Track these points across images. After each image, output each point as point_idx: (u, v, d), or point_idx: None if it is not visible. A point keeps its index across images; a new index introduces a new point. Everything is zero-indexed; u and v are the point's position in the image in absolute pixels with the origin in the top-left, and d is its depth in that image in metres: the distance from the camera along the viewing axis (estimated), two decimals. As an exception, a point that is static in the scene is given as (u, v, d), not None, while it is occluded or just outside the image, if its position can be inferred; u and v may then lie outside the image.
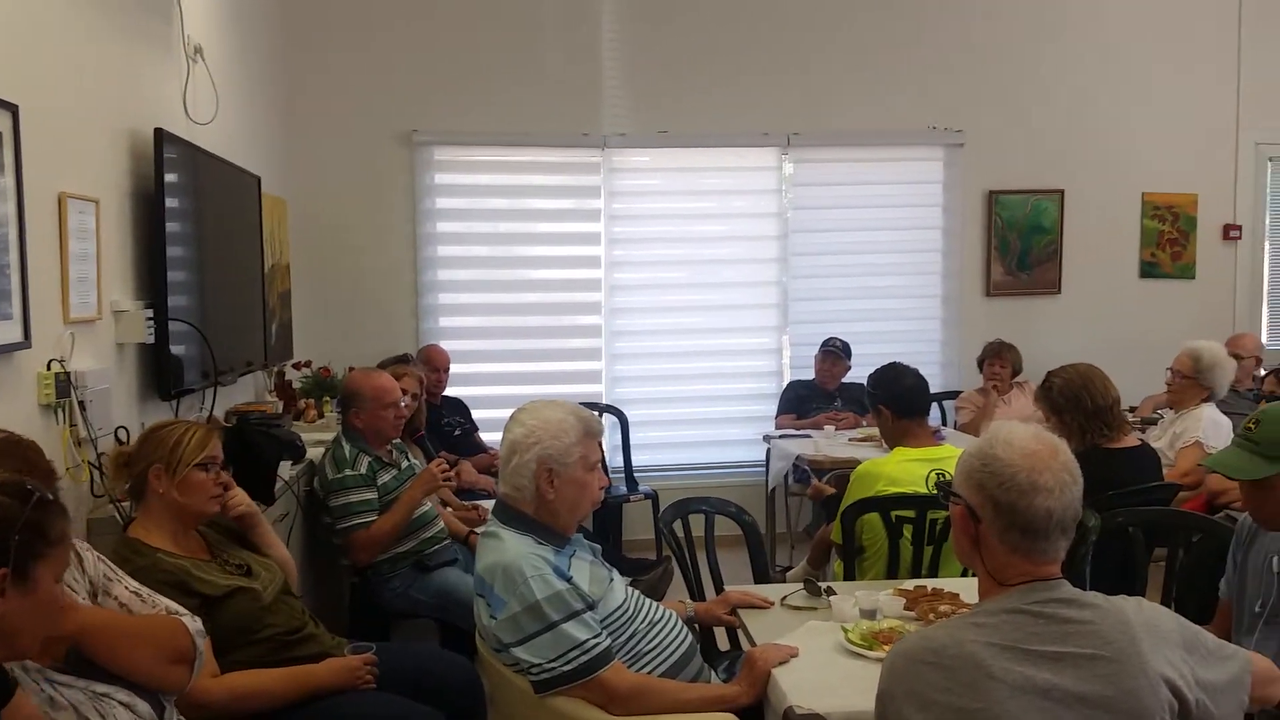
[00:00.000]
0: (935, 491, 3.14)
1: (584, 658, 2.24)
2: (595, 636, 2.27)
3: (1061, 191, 6.58)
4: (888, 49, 6.37)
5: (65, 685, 1.79)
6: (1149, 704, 1.61)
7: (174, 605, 2.12)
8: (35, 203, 2.53)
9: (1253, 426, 2.32)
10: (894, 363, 3.53)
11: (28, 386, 2.54)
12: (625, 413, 6.06)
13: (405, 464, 3.94)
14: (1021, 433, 1.77)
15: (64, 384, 2.64)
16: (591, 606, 2.32)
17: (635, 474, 6.02)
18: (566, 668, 2.24)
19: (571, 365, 6.32)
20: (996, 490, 1.71)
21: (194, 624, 2.06)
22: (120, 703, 1.84)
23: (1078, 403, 3.58)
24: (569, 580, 2.32)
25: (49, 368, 2.60)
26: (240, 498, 2.73)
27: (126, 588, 2.07)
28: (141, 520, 2.47)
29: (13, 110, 2.40)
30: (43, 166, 2.58)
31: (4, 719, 1.53)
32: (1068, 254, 6.63)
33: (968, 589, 2.64)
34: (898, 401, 3.41)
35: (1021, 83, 6.50)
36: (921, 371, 3.54)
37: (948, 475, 3.11)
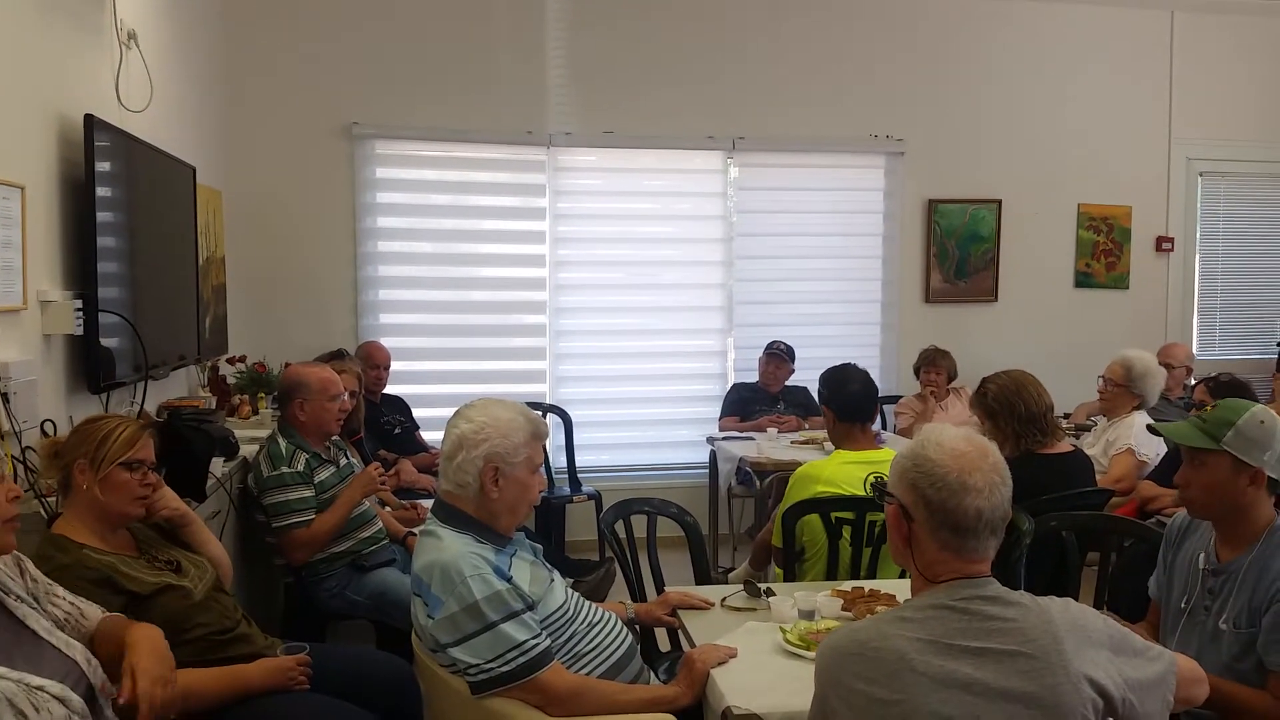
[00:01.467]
0: (872, 493, 3.17)
1: (522, 659, 2.22)
2: (535, 637, 2.25)
3: (999, 201, 6.70)
4: (832, 57, 6.43)
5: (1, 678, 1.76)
6: (1070, 701, 1.64)
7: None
8: (-44, 187, 2.45)
9: (1208, 410, 2.40)
10: (847, 365, 3.54)
11: (-54, 377, 2.46)
12: (569, 413, 6.04)
13: (344, 461, 3.88)
14: (952, 435, 1.81)
15: (-14, 375, 2.56)
16: (531, 607, 2.30)
17: (579, 474, 6.01)
18: (505, 668, 2.21)
19: (515, 364, 6.29)
20: (928, 489, 1.75)
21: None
22: (54, 696, 1.81)
23: (1011, 409, 3.64)
24: (509, 580, 2.30)
25: (-31, 358, 2.52)
26: (168, 499, 2.66)
27: (64, 601, 2.02)
28: (67, 516, 2.41)
29: (-67, 91, 2.32)
30: (-37, 150, 2.50)
31: None
32: (1005, 263, 6.75)
33: (905, 590, 2.65)
34: (841, 405, 3.43)
35: (962, 94, 6.61)
36: (861, 376, 3.56)
37: (885, 477, 3.16)
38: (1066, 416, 5.68)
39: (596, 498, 5.66)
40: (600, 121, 6.18)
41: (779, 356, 6.02)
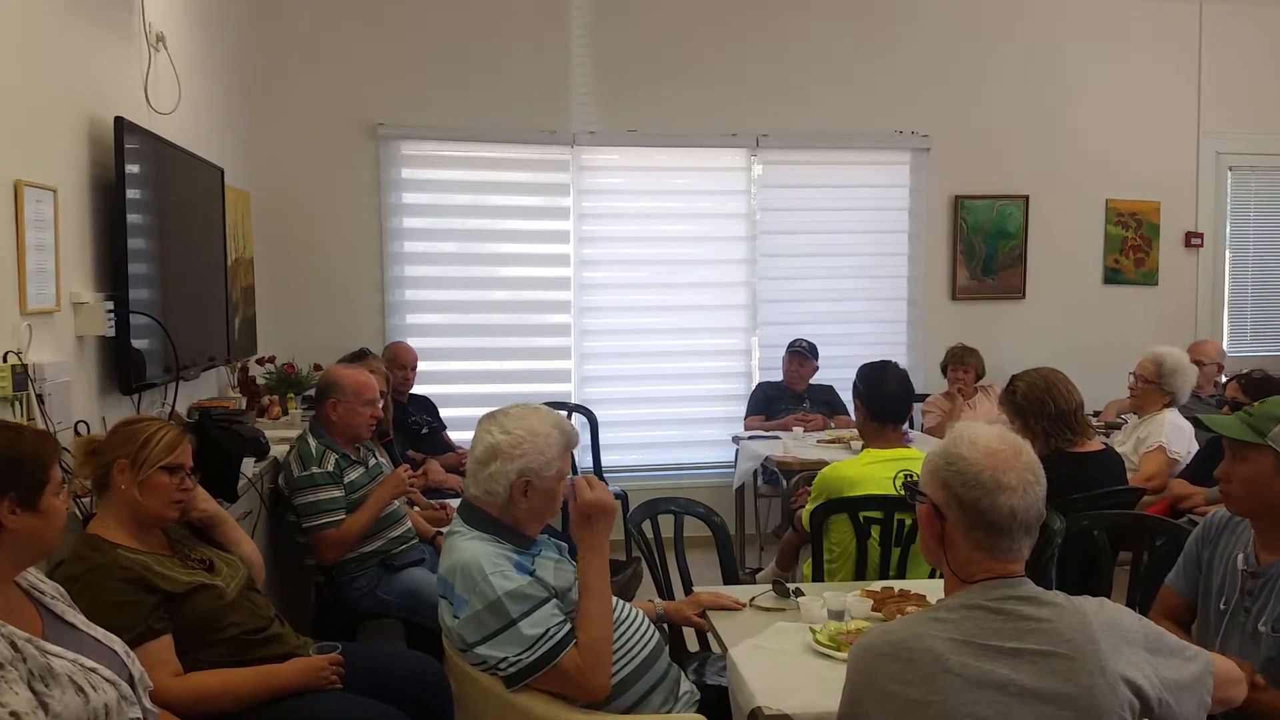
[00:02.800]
0: (902, 492, 3.15)
1: (549, 644, 2.23)
2: (559, 622, 2.26)
3: (1026, 197, 6.65)
4: (857, 53, 6.40)
5: (56, 656, 1.81)
6: (1107, 702, 1.63)
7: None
8: (-9, 191, 2.48)
9: (1255, 406, 2.38)
10: (887, 362, 3.51)
11: (-17, 379, 2.48)
12: (595, 412, 6.04)
13: (373, 462, 3.90)
14: (985, 433, 1.80)
15: (21, 377, 2.58)
16: (555, 595, 2.31)
17: (604, 474, 6.00)
18: (534, 657, 2.22)
19: (541, 364, 6.30)
20: (961, 489, 1.74)
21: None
22: (105, 679, 1.87)
23: (1041, 407, 3.61)
24: (531, 574, 2.30)
25: (4, 359, 2.54)
26: (200, 500, 2.68)
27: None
28: (102, 516, 2.43)
29: (-32, 95, 2.34)
30: (-2, 153, 2.52)
31: None
32: (1032, 259, 6.70)
33: (935, 590, 2.64)
34: (875, 403, 3.41)
35: (988, 89, 6.56)
36: (889, 374, 3.53)
37: (915, 476, 3.14)
38: (1096, 414, 5.63)
39: (623, 497, 5.65)
40: (624, 120, 6.18)
41: (801, 354, 6.00)
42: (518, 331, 6.28)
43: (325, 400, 3.77)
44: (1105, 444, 3.87)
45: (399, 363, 5.28)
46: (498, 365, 6.22)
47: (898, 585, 2.80)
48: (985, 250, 6.64)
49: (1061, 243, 6.71)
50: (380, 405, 3.93)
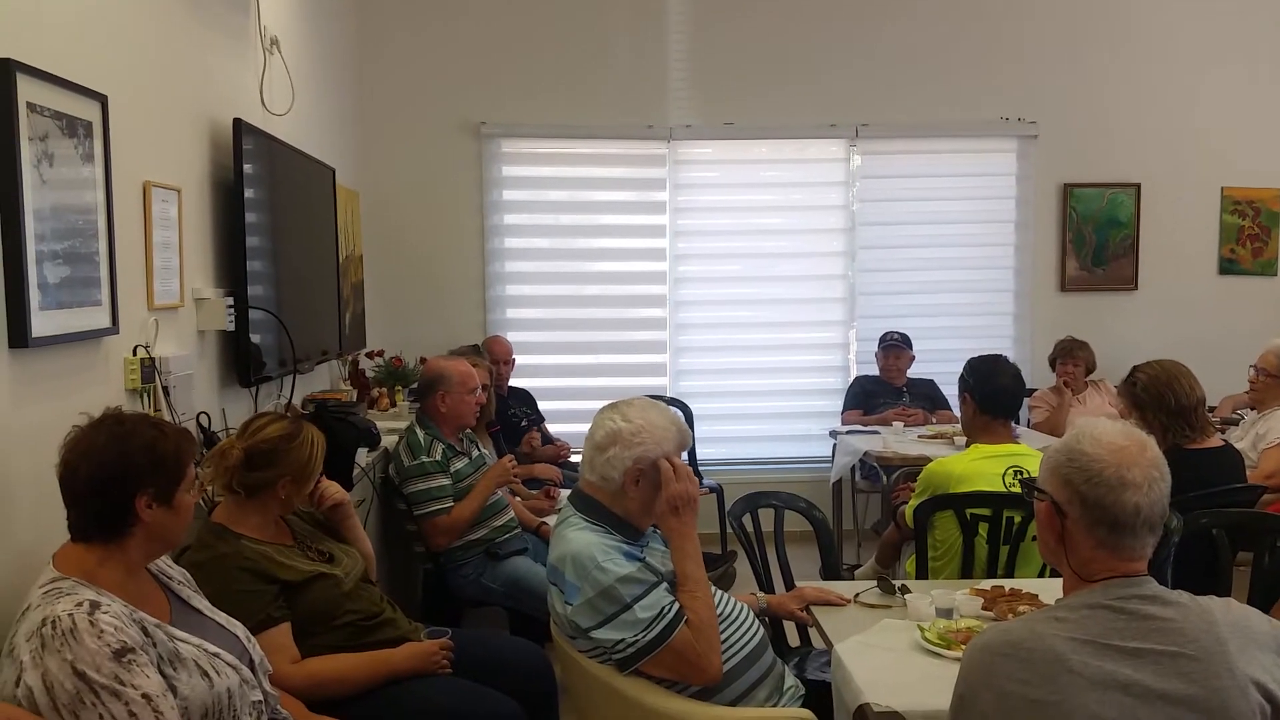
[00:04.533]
0: (1016, 488, 3.09)
1: (662, 623, 2.26)
2: (671, 602, 2.29)
3: (1138, 185, 6.43)
4: (959, 38, 6.26)
5: (183, 641, 1.88)
6: (1237, 706, 1.58)
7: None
8: (122, 191, 2.58)
9: None
10: (999, 356, 3.47)
11: (115, 371, 2.59)
12: (690, 406, 6.04)
13: (475, 453, 3.99)
14: (1109, 429, 1.75)
15: (149, 369, 2.69)
16: (664, 579, 2.33)
17: (700, 467, 6.01)
18: (649, 636, 2.25)
19: (636, 358, 6.33)
20: (1084, 485, 1.69)
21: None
22: (228, 664, 1.93)
23: (1161, 400, 3.49)
24: (641, 561, 2.33)
25: (134, 353, 2.65)
26: (333, 489, 2.78)
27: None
28: (227, 505, 2.51)
29: (102, 101, 2.44)
30: (129, 156, 2.63)
31: None
32: (1145, 249, 6.48)
33: (1046, 589, 2.59)
34: (986, 397, 3.34)
35: (1097, 73, 6.35)
36: (993, 368, 3.47)
37: (1026, 472, 3.07)
38: (1212, 410, 5.42)
39: (718, 491, 5.65)
40: (721, 113, 6.16)
41: (895, 346, 5.89)
42: (614, 325, 6.32)
43: (434, 393, 3.87)
44: (1225, 440, 3.73)
45: (492, 358, 5.37)
46: (594, 359, 6.26)
47: (1008, 584, 2.74)
48: (1095, 240, 6.44)
49: (1175, 232, 6.47)
50: (483, 395, 4.01)
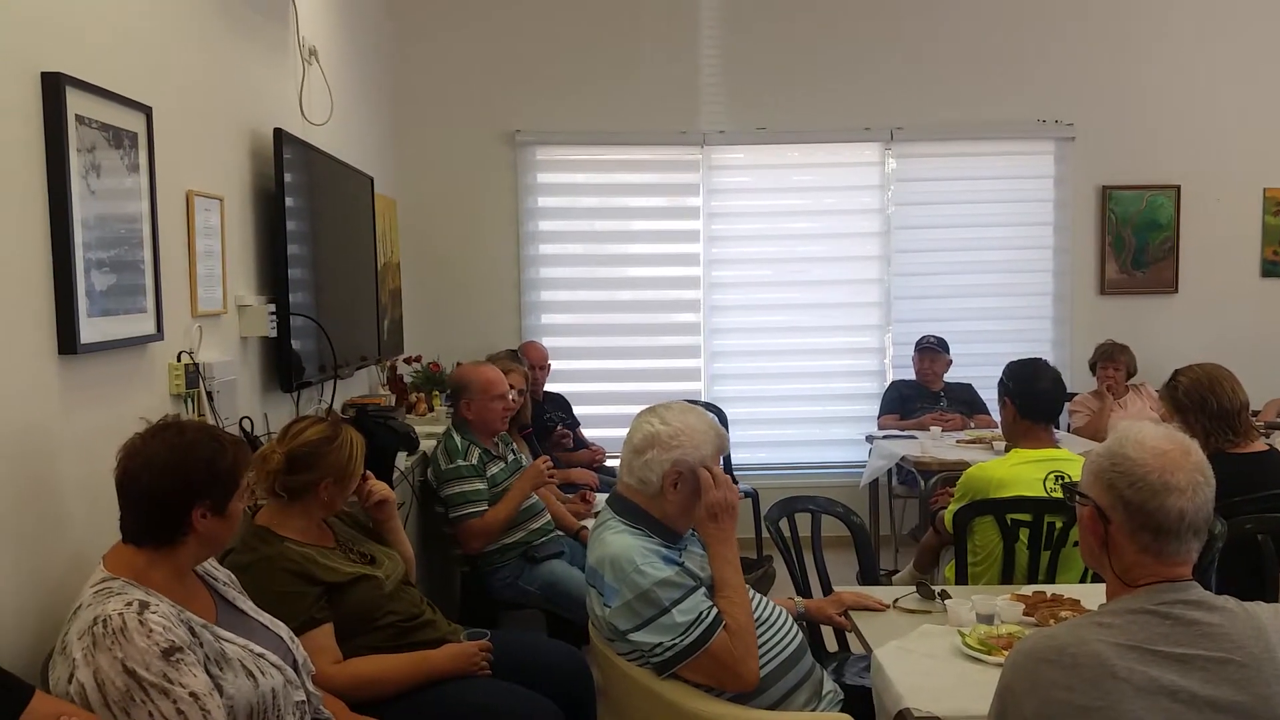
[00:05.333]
0: (1057, 493, 3.06)
1: (700, 628, 2.26)
2: (709, 607, 2.29)
3: (1178, 187, 6.35)
4: (994, 40, 6.22)
5: (229, 641, 1.91)
6: None
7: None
8: (166, 200, 2.63)
9: None
10: (1038, 360, 3.44)
11: (160, 377, 2.64)
12: (725, 411, 6.04)
13: (511, 457, 4.01)
14: (1153, 432, 1.73)
15: (193, 375, 2.74)
16: (702, 584, 2.33)
17: (735, 472, 6.00)
18: (688, 640, 2.25)
19: (671, 363, 6.34)
20: (1127, 490, 1.68)
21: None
22: (272, 664, 1.96)
23: (1203, 404, 3.44)
24: (680, 565, 2.33)
25: (179, 359, 2.70)
26: (379, 486, 2.82)
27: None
28: (271, 508, 2.54)
29: (146, 111, 2.49)
30: (172, 165, 2.67)
31: None
32: (1185, 252, 6.39)
33: (1088, 595, 2.57)
34: (1026, 401, 3.31)
35: (1135, 74, 6.29)
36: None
37: (1068, 477, 3.04)
38: (1255, 413, 5.33)
39: (754, 496, 5.64)
40: (754, 118, 6.17)
41: (931, 350, 5.86)
42: (648, 330, 6.34)
43: (460, 400, 3.92)
44: (1269, 445, 3.67)
45: (530, 361, 5.39)
46: (629, 364, 6.28)
47: (1049, 590, 2.72)
48: (1135, 242, 6.37)
49: (1216, 234, 6.39)
50: (512, 400, 4.03)
